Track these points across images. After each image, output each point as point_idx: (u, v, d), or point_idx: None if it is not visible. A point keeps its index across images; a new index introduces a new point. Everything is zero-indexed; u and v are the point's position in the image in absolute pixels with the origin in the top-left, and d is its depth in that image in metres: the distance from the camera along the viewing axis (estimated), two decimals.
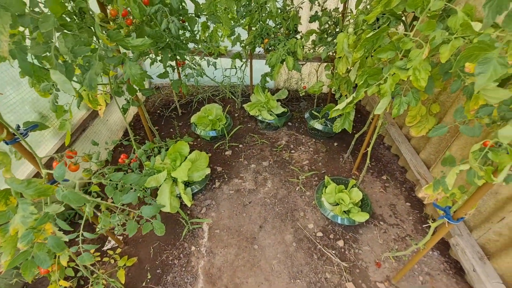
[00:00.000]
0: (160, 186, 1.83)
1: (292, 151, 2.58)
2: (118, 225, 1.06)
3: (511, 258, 1.41)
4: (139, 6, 1.32)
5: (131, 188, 1.14)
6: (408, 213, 2.05)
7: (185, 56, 2.03)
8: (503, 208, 1.48)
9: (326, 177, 2.11)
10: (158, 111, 3.03)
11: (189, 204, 1.84)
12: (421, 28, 1.06)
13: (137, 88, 1.45)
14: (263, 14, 2.20)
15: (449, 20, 0.99)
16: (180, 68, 2.49)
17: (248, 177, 2.32)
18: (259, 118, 2.70)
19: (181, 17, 1.87)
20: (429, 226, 1.34)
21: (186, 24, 1.92)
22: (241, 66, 2.85)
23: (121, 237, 1.87)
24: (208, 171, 2.03)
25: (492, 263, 1.52)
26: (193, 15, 1.95)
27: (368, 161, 2.06)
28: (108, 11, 1.47)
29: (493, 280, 1.45)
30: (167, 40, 1.44)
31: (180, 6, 1.80)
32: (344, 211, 1.90)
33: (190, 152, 1.99)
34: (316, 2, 2.14)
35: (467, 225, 1.72)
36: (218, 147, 2.59)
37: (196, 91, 3.33)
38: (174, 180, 1.93)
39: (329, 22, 2.37)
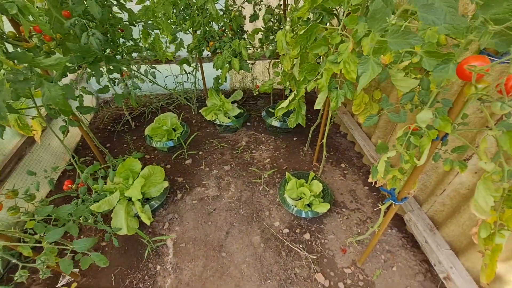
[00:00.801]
0: (114, 208, 1.71)
1: (253, 151, 2.58)
2: (42, 268, 0.95)
3: (455, 225, 1.54)
4: (56, 20, 1.20)
5: (69, 220, 1.04)
6: (367, 197, 2.16)
7: (124, 67, 1.92)
8: (443, 181, 1.60)
9: (287, 173, 2.14)
10: (109, 127, 2.85)
11: (148, 222, 1.75)
12: (346, 22, 1.10)
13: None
14: (205, 17, 2.15)
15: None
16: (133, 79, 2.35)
17: (210, 183, 2.27)
18: (217, 122, 2.66)
19: (111, 27, 1.76)
20: (381, 209, 1.42)
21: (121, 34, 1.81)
22: (192, 71, 2.78)
23: (77, 269, 1.73)
24: (165, 184, 1.95)
25: (441, 232, 1.65)
26: (127, 23, 1.84)
27: (324, 152, 2.13)
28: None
29: (442, 248, 1.58)
30: (97, 54, 1.33)
31: (110, 15, 1.69)
32: (307, 205, 1.94)
33: (143, 168, 1.89)
34: (253, 1, 2.14)
35: (417, 200, 1.85)
36: (177, 157, 2.50)
37: (149, 101, 3.18)
38: (130, 200, 1.82)
39: (272, 20, 2.40)
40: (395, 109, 1.00)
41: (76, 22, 1.14)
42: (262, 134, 2.78)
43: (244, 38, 2.31)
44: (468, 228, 1.47)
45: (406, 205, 1.84)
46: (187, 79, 2.93)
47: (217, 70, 2.12)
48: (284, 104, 1.40)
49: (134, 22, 1.90)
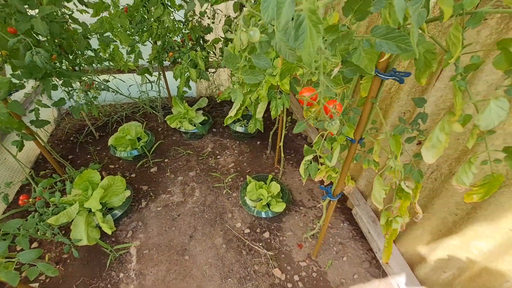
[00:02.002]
0: (73, 219, 1.73)
1: (218, 157, 2.67)
2: None
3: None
4: (0, 37, 1.23)
5: (20, 234, 1.08)
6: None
7: (84, 78, 1.94)
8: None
9: (247, 176, 2.25)
10: (72, 138, 2.81)
11: (109, 232, 1.78)
12: None
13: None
14: (163, 28, 2.22)
15: None
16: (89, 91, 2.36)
17: (175, 190, 2.33)
18: (182, 129, 2.72)
19: (65, 40, 1.78)
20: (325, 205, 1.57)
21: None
22: (156, 80, 2.82)
23: (37, 284, 1.72)
24: (128, 193, 1.99)
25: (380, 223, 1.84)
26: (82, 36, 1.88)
27: (282, 154, 2.27)
28: None
29: (382, 236, 1.76)
30: (46, 69, 1.37)
31: (62, 30, 1.72)
32: (266, 205, 2.06)
33: (103, 178, 1.92)
34: (206, 15, 2.25)
35: (363, 195, 2.04)
36: (142, 166, 2.53)
37: (114, 111, 3.17)
38: (90, 211, 1.84)
39: (230, 30, 2.51)
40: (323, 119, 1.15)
41: (21, 40, 1.18)
42: (227, 140, 2.88)
43: (204, 48, 2.40)
44: None
45: (354, 199, 2.02)
46: (151, 88, 2.97)
47: (176, 80, 2.20)
48: (232, 113, 1.51)
49: (89, 35, 1.93)
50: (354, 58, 0.70)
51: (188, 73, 2.15)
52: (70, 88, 1.85)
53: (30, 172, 2.33)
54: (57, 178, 1.77)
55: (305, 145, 1.13)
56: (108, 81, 2.41)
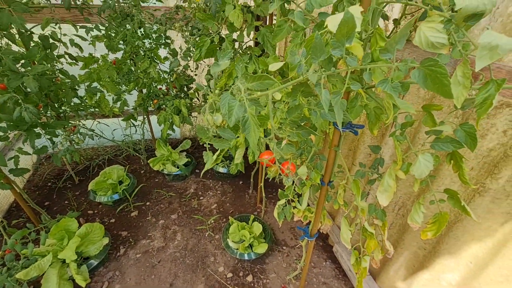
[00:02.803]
0: (45, 272, 1.65)
1: (201, 198, 2.69)
2: None
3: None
4: None
5: None
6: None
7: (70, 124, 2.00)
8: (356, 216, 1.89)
9: (230, 217, 2.27)
10: (50, 183, 2.75)
11: (83, 284, 1.70)
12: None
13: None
14: (148, 79, 2.38)
15: None
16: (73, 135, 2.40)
17: (156, 234, 2.29)
18: (165, 172, 2.75)
19: (52, 92, 1.88)
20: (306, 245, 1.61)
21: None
22: (140, 124, 2.91)
23: None
24: (105, 241, 1.94)
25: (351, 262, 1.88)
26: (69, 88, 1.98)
27: (263, 194, 2.33)
28: None
29: None
30: (32, 122, 1.43)
31: (51, 83, 1.82)
32: (248, 246, 2.06)
33: (81, 226, 1.87)
34: (189, 68, 2.46)
35: None
36: (123, 210, 2.49)
37: (97, 154, 3.17)
38: (64, 262, 1.76)
39: (211, 79, 2.72)
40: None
41: (11, 97, 1.26)
42: (210, 180, 2.92)
43: (188, 96, 2.57)
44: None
45: (333, 236, 2.07)
46: (135, 131, 3.04)
47: (160, 125, 2.30)
48: (210, 162, 1.60)
49: (77, 87, 2.04)
50: (313, 119, 0.84)
51: (171, 119, 2.26)
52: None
53: (2, 222, 2.22)
54: (32, 228, 1.71)
55: (279, 189, 1.22)
56: (93, 130, 2.48)
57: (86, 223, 1.87)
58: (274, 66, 0.72)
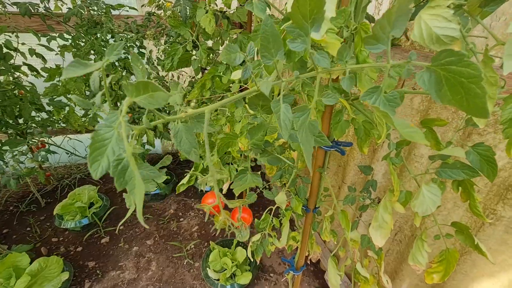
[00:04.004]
0: None
1: (181, 219, 2.46)
2: None
3: None
4: None
5: None
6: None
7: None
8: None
9: (211, 242, 2.05)
10: (11, 208, 2.48)
11: None
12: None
13: None
14: (121, 91, 2.20)
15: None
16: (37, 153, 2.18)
17: (128, 264, 2.04)
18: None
19: (7, 107, 1.67)
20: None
21: None
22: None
23: None
24: (65, 276, 1.68)
25: None
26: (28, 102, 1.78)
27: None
28: None
29: None
30: None
31: (5, 97, 1.62)
32: (230, 276, 1.84)
33: (35, 259, 1.62)
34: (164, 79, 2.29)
35: (335, 256, 1.90)
36: (92, 236, 2.24)
37: (69, 172, 2.92)
38: None
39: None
40: (269, 186, 1.08)
41: None
42: (192, 199, 2.70)
43: (164, 109, 2.39)
44: None
45: (325, 261, 1.87)
46: None
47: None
48: (184, 180, 1.41)
49: (36, 101, 1.84)
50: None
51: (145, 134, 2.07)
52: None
53: None
54: None
55: (255, 220, 1.04)
56: (59, 146, 2.27)
57: (42, 257, 1.62)
58: (236, 74, 0.56)
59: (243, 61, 0.46)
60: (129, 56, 2.16)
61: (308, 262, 1.27)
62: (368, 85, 0.62)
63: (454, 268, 0.73)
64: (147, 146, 2.52)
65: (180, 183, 1.42)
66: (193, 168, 1.45)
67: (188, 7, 1.40)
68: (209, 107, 0.35)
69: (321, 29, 0.32)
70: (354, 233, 0.97)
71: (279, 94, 0.38)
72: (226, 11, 1.53)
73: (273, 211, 0.91)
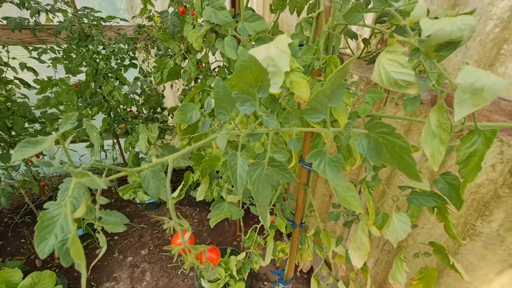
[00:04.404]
0: None
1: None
2: None
3: None
4: None
5: None
6: None
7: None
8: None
9: None
10: (6, 219, 2.48)
11: None
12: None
13: None
14: (115, 101, 2.21)
15: None
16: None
17: (123, 275, 2.04)
18: (136, 200, 2.53)
19: None
20: None
21: None
22: (111, 148, 2.71)
23: None
24: None
25: None
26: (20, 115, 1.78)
27: (241, 224, 2.14)
28: None
29: None
30: None
31: None
32: (224, 286, 1.85)
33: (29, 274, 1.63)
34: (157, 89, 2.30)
35: (327, 262, 1.92)
36: (86, 247, 2.24)
37: (63, 182, 2.92)
38: None
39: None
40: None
41: None
42: (187, 207, 2.71)
43: (157, 119, 2.40)
44: None
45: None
46: (106, 157, 2.83)
47: (125, 152, 2.11)
48: (175, 193, 1.42)
49: (28, 115, 1.85)
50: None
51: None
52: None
53: None
54: None
55: (243, 236, 1.05)
56: (54, 158, 2.27)
57: (34, 272, 1.62)
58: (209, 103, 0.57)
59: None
60: (122, 68, 2.17)
61: (298, 274, 1.29)
62: (344, 111, 0.63)
63: (433, 286, 0.75)
64: (141, 155, 2.53)
65: (172, 195, 1.43)
66: (183, 182, 1.46)
67: (175, 23, 1.41)
68: (173, 156, 0.36)
69: (276, 84, 0.33)
70: (339, 248, 0.99)
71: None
72: (213, 25, 1.55)
73: (257, 228, 0.92)
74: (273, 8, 1.30)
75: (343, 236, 0.95)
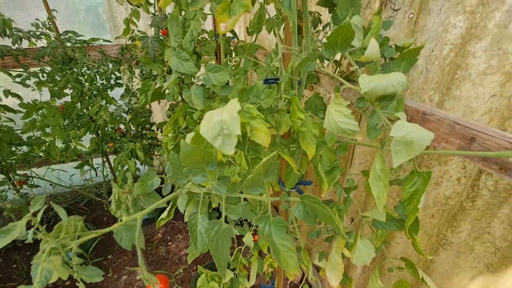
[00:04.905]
0: None
1: (169, 243, 2.48)
2: None
3: None
4: None
5: None
6: None
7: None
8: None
9: (198, 267, 2.07)
10: None
11: None
12: None
13: None
14: (100, 122, 2.22)
15: None
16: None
17: None
18: None
19: None
20: None
21: None
22: (101, 166, 2.71)
23: None
24: None
25: None
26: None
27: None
28: None
29: None
30: None
31: None
32: None
33: None
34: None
35: (319, 271, 1.96)
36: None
37: (54, 202, 2.90)
38: None
39: (171, 114, 2.60)
40: (241, 222, 1.13)
41: None
42: (180, 221, 2.72)
43: (145, 136, 2.41)
44: None
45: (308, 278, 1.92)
46: (96, 175, 2.83)
47: (115, 171, 2.12)
48: (164, 215, 1.44)
49: (14, 141, 1.85)
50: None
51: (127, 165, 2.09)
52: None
53: None
54: None
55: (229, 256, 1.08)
56: (42, 178, 2.27)
57: None
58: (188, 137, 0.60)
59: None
60: (108, 87, 2.19)
61: (288, 286, 1.32)
62: (312, 141, 0.67)
63: None
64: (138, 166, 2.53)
65: (160, 217, 1.45)
66: (171, 203, 1.48)
67: (155, 47, 1.44)
68: (141, 213, 0.40)
69: (231, 144, 0.37)
70: (322, 262, 1.02)
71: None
72: (196, 46, 1.59)
73: (242, 250, 0.96)
74: (249, 31, 1.35)
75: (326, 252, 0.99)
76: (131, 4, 2.01)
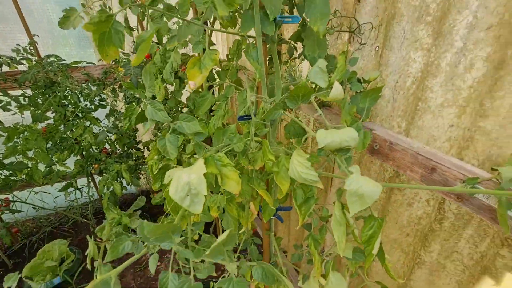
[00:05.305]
0: None
1: (158, 263, 2.44)
2: None
3: None
4: None
5: None
6: None
7: None
8: None
9: None
10: None
11: None
12: None
13: None
14: (84, 143, 2.20)
15: None
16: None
17: None
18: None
19: None
20: None
21: None
22: (86, 187, 2.66)
23: None
24: None
25: None
26: None
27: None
28: None
29: None
30: None
31: None
32: None
33: None
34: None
35: None
36: None
37: (37, 226, 2.83)
38: None
39: (158, 134, 2.60)
40: None
41: None
42: None
43: (131, 156, 2.40)
44: None
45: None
46: (81, 195, 2.77)
47: (100, 194, 2.10)
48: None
49: None
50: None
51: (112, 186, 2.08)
52: None
53: None
54: None
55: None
56: (25, 202, 2.22)
57: None
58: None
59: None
60: (92, 108, 2.19)
61: None
62: (286, 177, 0.71)
63: None
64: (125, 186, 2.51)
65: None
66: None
67: (137, 74, 1.47)
68: (116, 271, 0.42)
69: (199, 203, 0.40)
70: (307, 285, 1.05)
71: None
72: (178, 71, 1.62)
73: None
74: (229, 57, 1.39)
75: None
76: None
